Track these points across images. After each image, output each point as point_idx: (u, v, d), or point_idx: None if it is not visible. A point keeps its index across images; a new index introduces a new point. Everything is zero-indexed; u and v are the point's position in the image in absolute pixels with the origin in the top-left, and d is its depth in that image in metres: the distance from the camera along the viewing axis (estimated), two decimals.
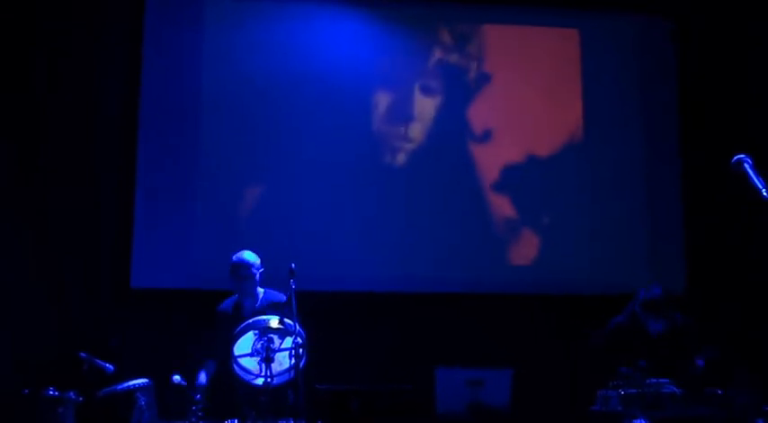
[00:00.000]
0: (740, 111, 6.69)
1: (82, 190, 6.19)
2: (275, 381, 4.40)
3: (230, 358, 4.51)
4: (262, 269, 5.02)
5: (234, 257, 5.05)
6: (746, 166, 3.13)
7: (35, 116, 6.16)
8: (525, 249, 6.67)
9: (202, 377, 4.88)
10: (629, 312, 5.15)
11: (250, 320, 4.56)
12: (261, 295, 5.05)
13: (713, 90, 6.82)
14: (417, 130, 6.74)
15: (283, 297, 4.93)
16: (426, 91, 6.79)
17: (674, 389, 4.62)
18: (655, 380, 4.66)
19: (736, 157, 3.15)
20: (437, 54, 6.86)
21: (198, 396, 4.52)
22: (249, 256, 5.04)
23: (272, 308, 4.82)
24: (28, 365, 5.42)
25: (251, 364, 4.51)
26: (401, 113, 6.74)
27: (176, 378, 4.55)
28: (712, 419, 4.57)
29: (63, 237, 6.07)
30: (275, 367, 4.41)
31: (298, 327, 4.40)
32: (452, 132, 6.76)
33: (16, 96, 6.13)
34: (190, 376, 4.77)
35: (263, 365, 4.39)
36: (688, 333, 5.09)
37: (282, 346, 4.47)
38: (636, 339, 5.04)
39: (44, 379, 4.58)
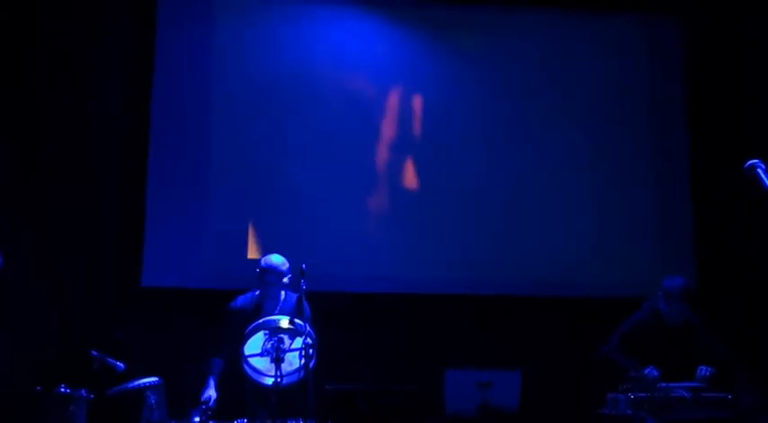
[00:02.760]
0: (749, 110, 6.68)
1: (89, 190, 6.19)
2: (285, 381, 4.40)
3: (240, 358, 4.52)
4: (290, 274, 4.97)
5: (263, 262, 4.97)
6: (759, 170, 3.14)
7: (40, 116, 6.15)
8: (534, 251, 6.66)
9: (212, 390, 4.80)
10: (648, 309, 5.15)
11: (260, 320, 4.57)
12: (282, 298, 5.00)
13: (722, 89, 6.82)
14: (427, 132, 6.74)
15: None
16: (435, 92, 6.79)
17: (684, 393, 4.63)
18: (665, 384, 4.67)
19: (749, 162, 3.16)
20: (447, 54, 6.86)
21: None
22: (279, 260, 4.96)
23: (292, 311, 4.77)
24: (40, 363, 5.41)
25: (261, 363, 4.51)
26: (411, 114, 6.74)
27: (196, 419, 4.44)
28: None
29: (73, 237, 6.07)
30: (285, 367, 4.41)
31: (308, 327, 4.42)
32: (457, 133, 6.76)
33: (20, 96, 6.12)
34: (199, 379, 4.78)
35: (274, 365, 4.39)
36: (701, 332, 5.09)
37: (293, 347, 4.47)
38: (653, 336, 5.04)
39: (56, 377, 4.59)
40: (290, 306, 4.90)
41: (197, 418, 4.43)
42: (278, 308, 4.93)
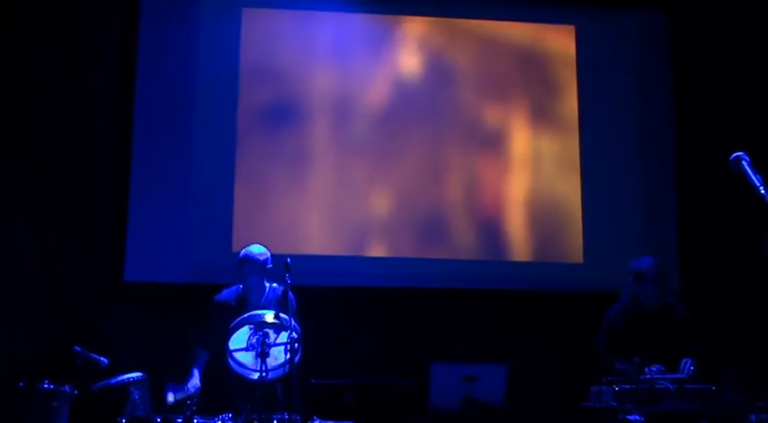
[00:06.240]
0: (735, 105, 6.71)
1: (76, 183, 6.17)
2: (270, 375, 4.39)
3: (226, 352, 4.50)
4: (271, 265, 4.96)
5: (242, 252, 4.98)
6: (744, 163, 3.13)
7: (29, 110, 6.12)
8: (520, 245, 6.68)
9: (196, 380, 4.81)
10: (626, 299, 5.16)
11: (245, 315, 4.55)
12: (267, 290, 4.99)
13: (708, 86, 6.84)
14: (412, 129, 6.73)
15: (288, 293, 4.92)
16: (424, 89, 6.78)
17: (668, 384, 4.64)
18: (649, 376, 4.68)
19: (734, 155, 3.16)
20: (433, 47, 6.85)
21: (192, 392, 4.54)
22: (258, 249, 4.96)
23: (277, 303, 4.78)
24: (23, 359, 5.40)
25: (246, 358, 4.49)
26: (396, 107, 6.73)
27: (170, 397, 4.48)
28: (705, 415, 4.60)
29: (57, 230, 6.04)
30: (270, 362, 4.40)
31: (293, 321, 4.41)
32: (445, 127, 6.76)
33: (10, 88, 6.10)
34: (182, 375, 4.76)
35: (259, 360, 4.38)
36: (686, 326, 5.11)
37: (278, 341, 4.46)
38: (634, 325, 5.05)
39: (39, 372, 4.57)
40: (275, 298, 4.89)
41: (171, 397, 4.42)
42: (262, 300, 4.92)
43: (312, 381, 5.28)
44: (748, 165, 3.11)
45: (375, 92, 6.72)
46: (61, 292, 5.94)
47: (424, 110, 6.74)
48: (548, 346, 6.24)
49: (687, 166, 6.83)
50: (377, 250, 6.53)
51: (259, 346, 4.41)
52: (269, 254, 4.98)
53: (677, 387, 4.64)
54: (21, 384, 4.44)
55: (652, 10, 7.10)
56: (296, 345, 4.33)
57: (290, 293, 4.52)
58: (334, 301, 6.13)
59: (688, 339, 5.05)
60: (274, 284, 5.00)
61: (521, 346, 6.07)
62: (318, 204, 6.52)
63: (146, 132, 6.37)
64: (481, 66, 6.86)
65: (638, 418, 4.47)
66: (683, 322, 5.12)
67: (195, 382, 4.80)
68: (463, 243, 6.61)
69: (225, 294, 5.03)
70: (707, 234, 6.65)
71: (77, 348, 4.66)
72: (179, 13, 6.54)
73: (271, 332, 4.47)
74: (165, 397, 4.47)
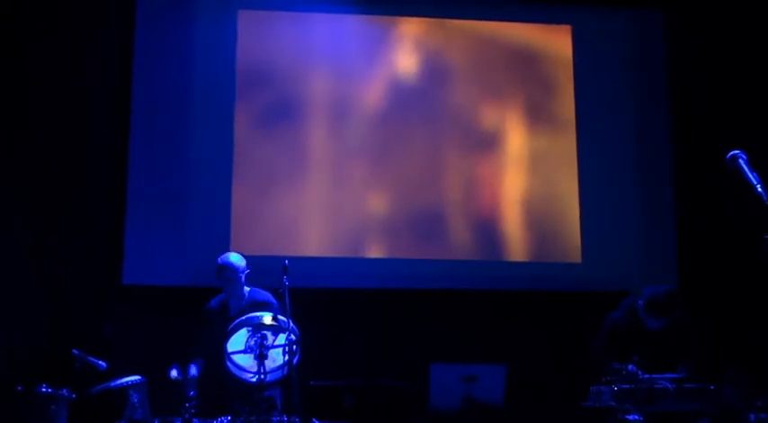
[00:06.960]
0: (733, 104, 6.69)
1: (76, 183, 6.18)
2: (268, 377, 4.39)
3: (224, 355, 4.49)
4: (247, 270, 5.02)
5: (219, 259, 5.04)
6: (741, 161, 3.13)
7: (29, 110, 6.13)
8: (518, 245, 6.68)
9: (194, 370, 4.84)
10: (627, 307, 5.13)
11: (243, 317, 4.54)
12: (246, 294, 5.04)
13: (704, 85, 6.83)
14: (409, 122, 6.72)
15: (268, 296, 4.96)
16: (418, 89, 6.78)
17: (667, 384, 4.63)
18: (648, 375, 4.67)
19: (731, 153, 3.15)
20: (429, 48, 6.85)
21: (192, 392, 4.53)
22: (233, 258, 5.03)
23: (255, 307, 4.80)
24: (21, 362, 5.40)
25: (244, 360, 4.49)
26: (393, 108, 6.72)
27: (173, 373, 4.52)
28: (704, 414, 4.59)
29: (57, 231, 6.04)
30: (269, 364, 4.40)
31: (291, 323, 4.40)
32: (441, 128, 6.75)
33: (10, 88, 6.12)
34: (182, 371, 4.78)
35: (257, 362, 4.38)
36: (684, 331, 5.09)
37: (276, 343, 4.46)
38: (632, 334, 5.03)
39: (37, 376, 4.57)
40: (253, 302, 4.92)
41: (174, 372, 4.48)
42: (241, 305, 4.95)
43: (311, 382, 5.28)
44: (745, 163, 3.11)
45: (372, 93, 6.72)
46: (60, 294, 5.95)
47: (421, 110, 6.74)
48: (546, 346, 6.24)
49: (685, 166, 6.82)
50: (375, 251, 6.54)
51: (257, 348, 4.41)
52: (245, 261, 5.05)
53: (676, 387, 4.63)
54: (19, 388, 4.44)
55: (651, 9, 7.09)
56: (294, 346, 4.33)
57: (282, 296, 4.51)
58: (332, 302, 6.13)
59: (688, 344, 5.03)
60: (246, 288, 5.05)
61: (519, 347, 6.06)
62: (316, 206, 6.51)
63: (143, 134, 6.36)
64: (478, 66, 6.87)
65: (637, 417, 4.47)
66: (682, 328, 5.08)
67: (193, 371, 4.81)
68: (461, 243, 6.62)
69: (212, 302, 5.12)
70: (705, 233, 6.64)
71: (76, 352, 4.66)
72: (175, 15, 6.53)
73: (269, 334, 4.47)
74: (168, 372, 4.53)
